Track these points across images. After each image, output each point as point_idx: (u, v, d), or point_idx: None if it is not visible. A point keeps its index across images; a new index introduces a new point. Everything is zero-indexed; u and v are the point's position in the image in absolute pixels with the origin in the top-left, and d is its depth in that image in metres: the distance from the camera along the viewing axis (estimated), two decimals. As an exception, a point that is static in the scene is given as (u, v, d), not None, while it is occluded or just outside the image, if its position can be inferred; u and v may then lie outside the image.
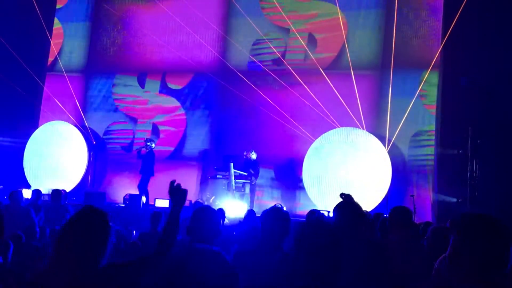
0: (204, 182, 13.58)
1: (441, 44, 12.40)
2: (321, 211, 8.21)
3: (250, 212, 8.04)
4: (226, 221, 8.13)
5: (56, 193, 8.92)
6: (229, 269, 2.94)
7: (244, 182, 12.20)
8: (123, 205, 12.55)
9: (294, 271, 2.46)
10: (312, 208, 7.64)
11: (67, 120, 15.11)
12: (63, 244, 2.49)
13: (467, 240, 2.10)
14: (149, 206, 11.90)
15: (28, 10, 14.56)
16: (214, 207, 10.94)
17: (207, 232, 3.21)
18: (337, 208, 3.68)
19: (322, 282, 2.30)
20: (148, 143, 13.04)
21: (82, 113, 15.04)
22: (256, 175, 12.35)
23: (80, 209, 2.64)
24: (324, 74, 13.05)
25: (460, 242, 2.11)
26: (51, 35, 15.86)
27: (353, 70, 12.93)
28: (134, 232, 7.16)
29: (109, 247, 2.58)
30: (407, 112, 12.36)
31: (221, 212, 8.01)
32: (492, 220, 2.15)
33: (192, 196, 13.03)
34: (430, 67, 12.37)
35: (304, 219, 7.88)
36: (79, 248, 2.46)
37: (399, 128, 12.40)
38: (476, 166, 11.61)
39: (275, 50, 13.82)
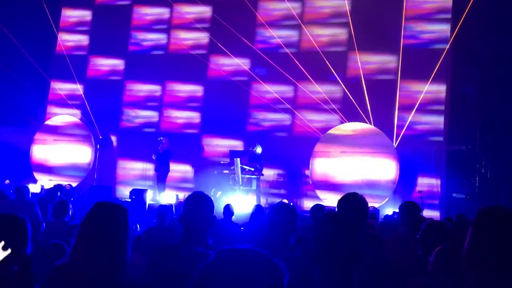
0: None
1: (449, 42, 12.34)
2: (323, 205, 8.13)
3: (258, 208, 7.97)
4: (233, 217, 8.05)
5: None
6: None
7: (250, 177, 12.08)
8: (129, 200, 12.50)
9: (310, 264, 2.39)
10: (317, 203, 7.54)
11: (74, 113, 15.14)
12: (83, 241, 2.42)
13: (482, 236, 1.96)
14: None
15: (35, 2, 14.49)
16: (220, 202, 10.92)
17: (200, 220, 3.08)
18: (342, 200, 3.61)
19: (338, 275, 2.23)
20: (163, 140, 12.90)
21: (88, 107, 14.97)
22: (261, 169, 12.20)
23: (97, 204, 2.54)
24: (332, 69, 12.95)
25: (475, 238, 1.97)
26: (57, 27, 15.88)
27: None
28: (138, 226, 7.09)
29: (130, 244, 2.48)
30: (415, 108, 12.32)
31: (228, 208, 7.94)
32: (508, 213, 1.99)
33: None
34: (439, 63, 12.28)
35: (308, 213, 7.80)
36: (99, 245, 2.38)
37: (407, 123, 12.34)
38: (485, 162, 11.52)
39: (283, 46, 13.74)
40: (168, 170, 12.84)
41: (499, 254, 1.89)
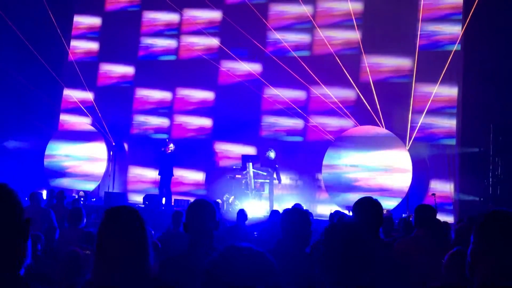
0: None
1: (457, 41, 12.28)
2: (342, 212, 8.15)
3: (274, 213, 7.98)
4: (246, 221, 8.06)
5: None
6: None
7: (263, 182, 12.05)
8: (143, 205, 12.53)
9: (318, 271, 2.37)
10: (335, 210, 7.55)
11: (86, 120, 15.25)
12: (103, 250, 2.32)
13: (485, 240, 1.90)
14: (173, 207, 11.79)
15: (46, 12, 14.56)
16: (233, 207, 10.95)
17: (203, 226, 3.12)
18: (357, 205, 3.60)
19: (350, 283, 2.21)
20: (171, 144, 12.86)
21: (99, 113, 15.03)
22: (278, 175, 12.08)
23: (109, 210, 2.42)
24: (345, 71, 12.87)
25: (480, 242, 1.91)
26: (70, 34, 16.01)
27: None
28: (152, 232, 7.11)
29: (150, 246, 2.44)
30: (426, 109, 12.26)
31: (242, 212, 7.96)
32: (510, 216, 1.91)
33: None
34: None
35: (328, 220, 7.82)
36: (121, 251, 2.28)
37: (418, 125, 12.29)
38: (499, 164, 11.42)
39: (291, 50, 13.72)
40: (171, 174, 12.83)
41: (504, 258, 1.86)
